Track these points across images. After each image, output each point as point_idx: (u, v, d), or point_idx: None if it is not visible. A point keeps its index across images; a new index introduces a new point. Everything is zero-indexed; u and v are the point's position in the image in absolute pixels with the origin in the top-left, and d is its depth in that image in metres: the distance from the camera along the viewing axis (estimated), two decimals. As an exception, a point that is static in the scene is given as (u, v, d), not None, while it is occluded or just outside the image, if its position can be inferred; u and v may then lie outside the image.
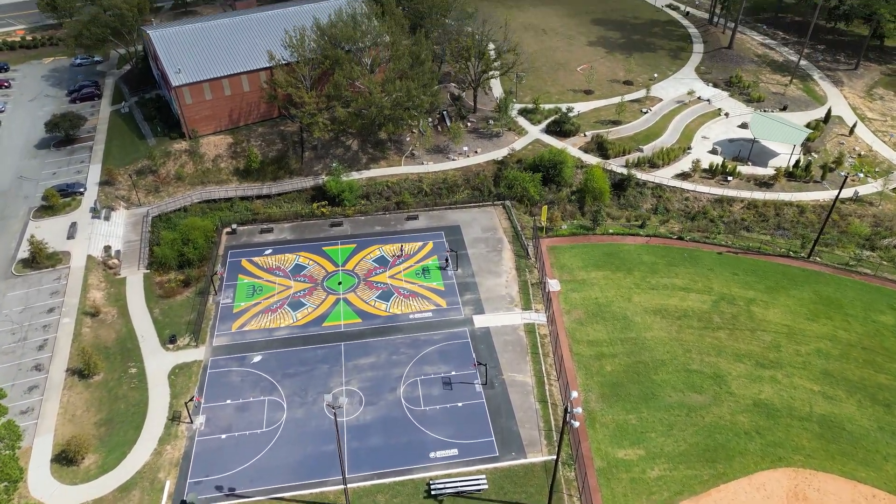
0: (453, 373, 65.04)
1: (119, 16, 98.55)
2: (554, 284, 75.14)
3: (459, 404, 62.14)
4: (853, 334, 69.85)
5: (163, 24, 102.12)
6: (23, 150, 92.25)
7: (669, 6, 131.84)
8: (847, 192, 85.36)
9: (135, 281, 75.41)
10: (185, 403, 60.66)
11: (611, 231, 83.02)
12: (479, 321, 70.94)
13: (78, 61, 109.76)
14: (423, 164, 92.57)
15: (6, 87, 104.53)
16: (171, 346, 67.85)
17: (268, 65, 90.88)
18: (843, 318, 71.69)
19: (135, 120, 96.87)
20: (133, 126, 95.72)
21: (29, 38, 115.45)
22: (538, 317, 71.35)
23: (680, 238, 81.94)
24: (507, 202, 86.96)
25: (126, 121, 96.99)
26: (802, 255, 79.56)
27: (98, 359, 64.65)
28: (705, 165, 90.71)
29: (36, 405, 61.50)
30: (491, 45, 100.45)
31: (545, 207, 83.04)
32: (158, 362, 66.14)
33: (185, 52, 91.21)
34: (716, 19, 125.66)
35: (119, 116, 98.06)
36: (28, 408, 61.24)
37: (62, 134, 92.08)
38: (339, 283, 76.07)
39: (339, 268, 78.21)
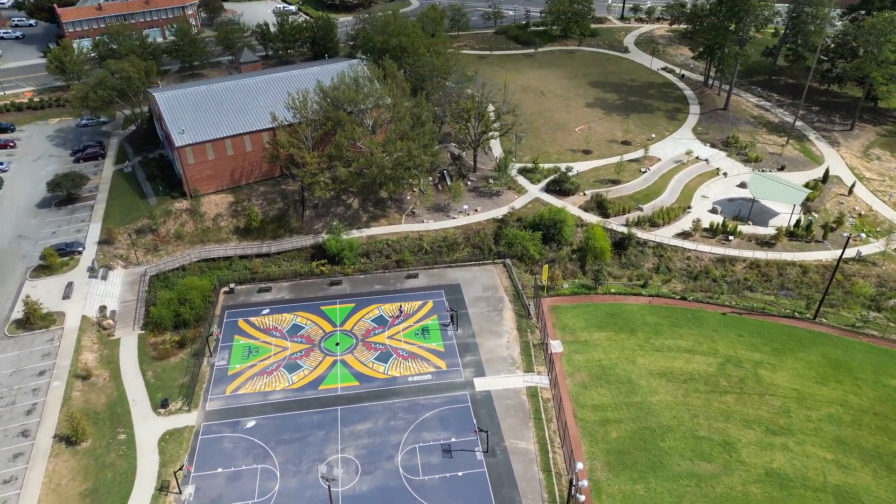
0: (453, 439, 62.87)
1: (126, 79, 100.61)
2: (556, 345, 73.69)
3: (459, 473, 59.75)
4: (864, 399, 67.92)
5: (168, 87, 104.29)
6: (24, 209, 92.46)
7: (665, 69, 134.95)
8: (849, 252, 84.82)
9: (129, 342, 74.02)
10: (175, 472, 58.33)
11: (613, 290, 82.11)
12: (480, 384, 69.15)
13: (84, 122, 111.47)
14: (423, 222, 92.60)
15: (11, 147, 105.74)
16: (162, 410, 65.91)
17: (270, 126, 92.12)
18: (853, 381, 69.91)
19: (137, 179, 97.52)
20: (135, 185, 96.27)
21: (36, 99, 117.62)
22: (540, 380, 69.60)
23: (683, 298, 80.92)
24: (508, 261, 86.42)
25: (128, 180, 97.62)
26: (808, 315, 78.35)
27: (86, 424, 62.64)
28: (706, 225, 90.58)
29: (20, 474, 59.17)
30: (490, 107, 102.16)
31: (546, 266, 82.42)
32: (149, 428, 64.06)
33: (189, 113, 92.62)
34: (710, 82, 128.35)
35: (122, 176, 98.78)
36: (11, 477, 58.91)
37: (64, 193, 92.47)
38: (337, 344, 74.66)
39: (337, 328, 76.94)
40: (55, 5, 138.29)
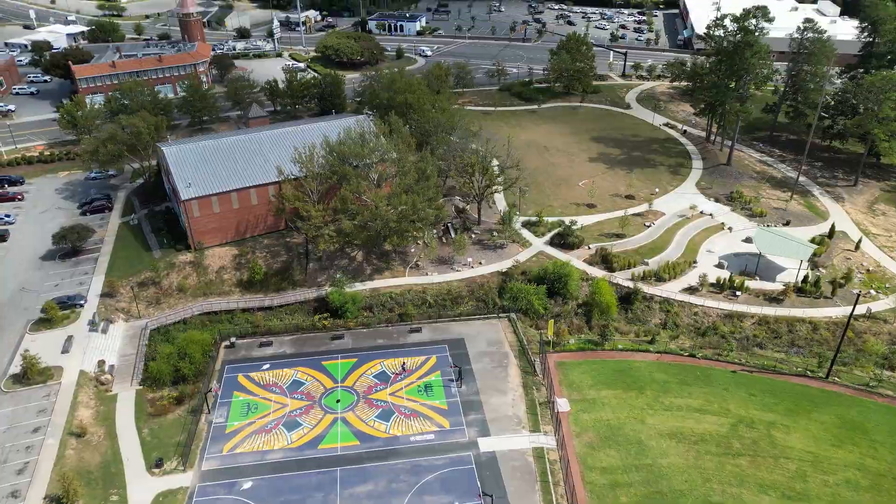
0: (456, 504, 60.57)
1: (136, 133, 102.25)
2: (563, 404, 71.86)
3: (463, 541, 57.31)
4: (882, 463, 65.50)
5: (177, 141, 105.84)
6: (28, 261, 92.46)
7: (667, 125, 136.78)
8: (859, 309, 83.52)
9: (126, 398, 72.57)
10: (167, 538, 56.12)
11: (620, 347, 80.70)
12: (485, 445, 67.09)
13: (93, 175, 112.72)
14: (427, 275, 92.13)
15: (20, 200, 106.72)
16: (157, 470, 63.96)
17: (277, 179, 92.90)
18: (870, 444, 67.60)
19: (143, 232, 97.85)
20: (140, 238, 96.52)
21: (47, 153, 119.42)
22: (547, 440, 67.52)
23: (692, 355, 79.36)
24: (513, 315, 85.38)
25: (134, 233, 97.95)
26: (820, 374, 76.55)
27: (79, 485, 60.67)
28: (712, 280, 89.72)
29: (6, 538, 57.04)
30: (494, 161, 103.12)
31: (551, 321, 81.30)
32: (142, 489, 62.01)
33: (197, 167, 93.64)
34: (713, 137, 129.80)
35: (127, 228, 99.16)
36: (-3, 541, 56.77)
37: (69, 246, 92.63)
38: (338, 401, 73.03)
39: (339, 384, 75.42)
40: (70, 62, 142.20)
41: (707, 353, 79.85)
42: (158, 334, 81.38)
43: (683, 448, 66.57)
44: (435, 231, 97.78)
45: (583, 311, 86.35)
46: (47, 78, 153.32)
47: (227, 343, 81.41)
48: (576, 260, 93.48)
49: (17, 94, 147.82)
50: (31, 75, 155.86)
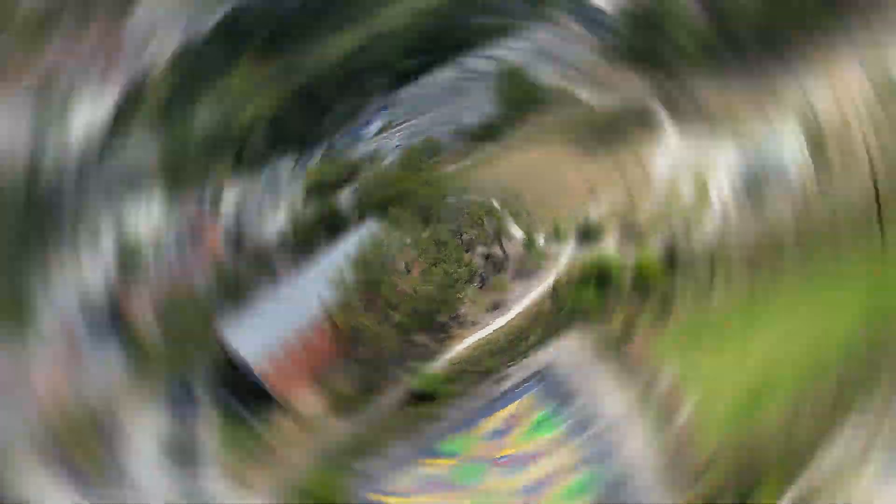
0: None
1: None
2: (665, 380, 73.64)
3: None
4: None
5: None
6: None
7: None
8: None
9: None
10: None
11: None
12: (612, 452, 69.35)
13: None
14: (486, 325, 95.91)
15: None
16: None
17: (324, 311, 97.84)
18: None
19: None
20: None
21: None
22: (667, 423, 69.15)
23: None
24: (577, 322, 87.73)
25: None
26: None
27: None
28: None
29: None
30: (494, 202, 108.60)
31: (615, 313, 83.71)
32: None
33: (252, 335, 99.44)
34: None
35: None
36: None
37: None
38: (468, 475, 75.51)
39: (461, 459, 77.90)
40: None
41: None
42: None
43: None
44: (474, 284, 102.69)
45: (637, 292, 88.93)
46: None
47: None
48: (607, 248, 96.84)
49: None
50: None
